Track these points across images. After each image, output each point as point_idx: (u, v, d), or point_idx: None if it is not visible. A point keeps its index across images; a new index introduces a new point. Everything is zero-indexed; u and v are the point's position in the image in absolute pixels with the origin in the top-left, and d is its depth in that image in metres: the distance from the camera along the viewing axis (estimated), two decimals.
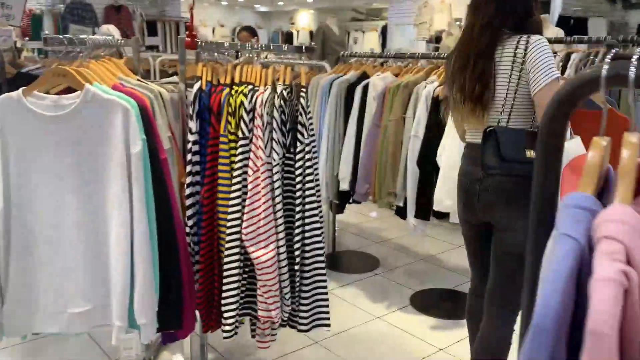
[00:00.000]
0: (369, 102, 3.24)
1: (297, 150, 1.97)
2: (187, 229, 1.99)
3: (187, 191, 1.99)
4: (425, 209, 3.00)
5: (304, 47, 2.20)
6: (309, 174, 1.97)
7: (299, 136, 1.97)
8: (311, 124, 2.01)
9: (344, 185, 3.36)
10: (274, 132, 1.94)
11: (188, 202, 1.99)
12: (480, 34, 1.87)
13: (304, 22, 15.09)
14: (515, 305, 1.93)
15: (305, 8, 14.89)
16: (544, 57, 1.78)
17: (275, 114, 1.94)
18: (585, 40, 3.95)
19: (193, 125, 1.97)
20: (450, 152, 2.86)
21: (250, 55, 2.25)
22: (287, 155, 1.99)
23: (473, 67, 1.86)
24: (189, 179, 1.98)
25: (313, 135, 2.03)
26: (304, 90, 1.99)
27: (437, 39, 9.80)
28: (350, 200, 3.45)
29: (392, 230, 4.65)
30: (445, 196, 2.88)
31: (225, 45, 2.04)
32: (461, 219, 2.11)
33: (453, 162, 2.86)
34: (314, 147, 2.01)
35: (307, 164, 1.97)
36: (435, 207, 2.91)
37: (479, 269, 2.16)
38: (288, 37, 14.80)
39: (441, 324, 3.10)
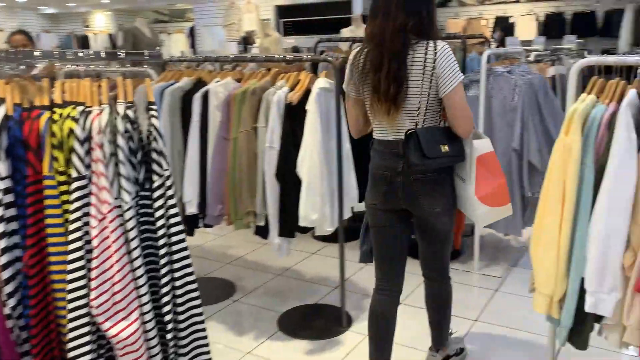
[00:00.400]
0: (211, 112, 2.84)
1: (155, 185, 1.53)
2: (8, 311, 1.43)
3: (2, 260, 1.41)
4: (289, 226, 2.73)
5: (147, 53, 1.73)
6: (173, 215, 1.55)
7: (156, 167, 1.53)
8: None
9: (192, 209, 2.93)
10: (120, 165, 1.47)
11: (5, 274, 1.41)
12: (393, 37, 1.94)
13: (101, 24, 13.85)
14: (448, 268, 2.35)
15: (100, 9, 13.68)
16: (450, 62, 1.94)
17: (121, 141, 1.47)
18: None
19: (2, 167, 1.40)
20: (312, 162, 2.62)
21: (55, 64, 1.74)
22: (141, 193, 1.53)
23: (388, 68, 1.94)
24: (2, 243, 1.41)
25: (168, 163, 1.60)
26: (153, 107, 1.55)
27: (246, 39, 9.62)
28: (202, 225, 3.03)
29: (240, 247, 4.30)
30: (312, 210, 2.64)
31: (37, 54, 1.50)
32: (379, 210, 2.18)
33: (317, 173, 2.63)
34: (173, 179, 1.58)
35: (170, 202, 1.54)
36: (301, 223, 2.67)
37: (390, 260, 2.24)
38: (83, 41, 13.49)
39: (316, 345, 2.87)
